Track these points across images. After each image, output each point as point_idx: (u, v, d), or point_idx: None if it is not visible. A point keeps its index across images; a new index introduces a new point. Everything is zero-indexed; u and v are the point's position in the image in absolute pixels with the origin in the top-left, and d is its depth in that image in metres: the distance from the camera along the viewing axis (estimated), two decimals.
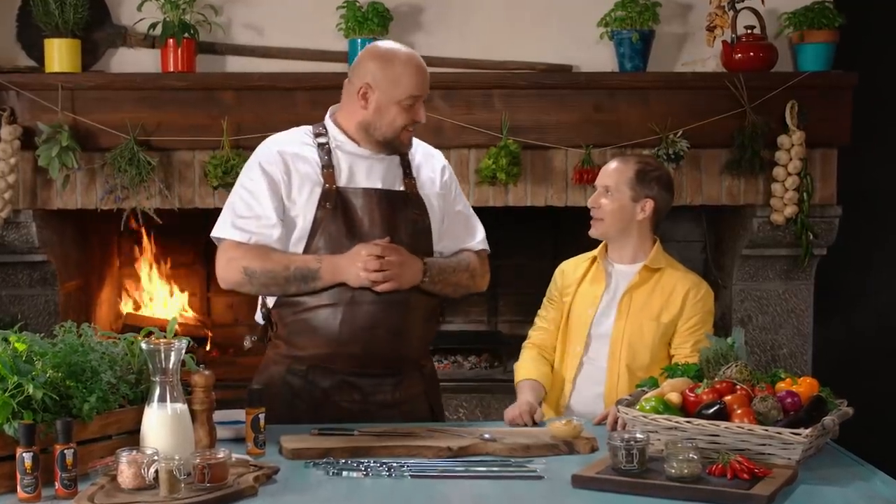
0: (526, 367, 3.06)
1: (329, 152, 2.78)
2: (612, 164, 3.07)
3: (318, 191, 2.73)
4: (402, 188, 2.82)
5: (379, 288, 2.68)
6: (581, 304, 3.06)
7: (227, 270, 2.76)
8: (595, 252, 3.11)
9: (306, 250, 2.73)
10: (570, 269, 3.14)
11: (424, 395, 2.89)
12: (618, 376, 2.97)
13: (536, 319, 3.18)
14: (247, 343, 2.89)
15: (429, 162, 2.93)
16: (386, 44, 2.85)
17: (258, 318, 2.88)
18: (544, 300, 3.18)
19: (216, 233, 2.79)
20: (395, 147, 2.79)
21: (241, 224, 2.74)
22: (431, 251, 2.84)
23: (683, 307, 2.98)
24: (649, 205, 3.01)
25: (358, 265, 2.66)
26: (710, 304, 3.03)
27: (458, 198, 2.97)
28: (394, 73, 2.73)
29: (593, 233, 3.06)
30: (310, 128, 2.85)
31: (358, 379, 2.77)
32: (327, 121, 2.85)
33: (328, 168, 2.75)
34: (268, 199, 2.72)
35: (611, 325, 3.00)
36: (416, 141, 2.94)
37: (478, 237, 2.98)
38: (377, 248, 2.67)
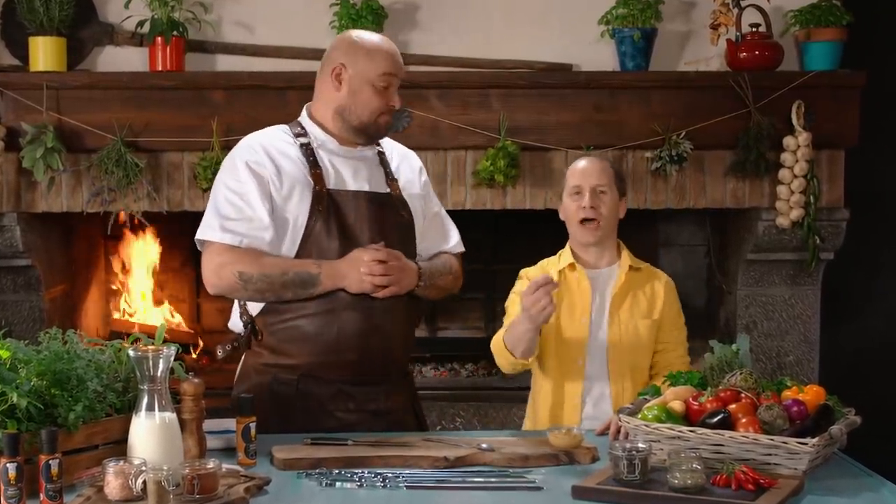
0: (499, 336, 2.94)
1: (312, 153, 2.78)
2: (592, 164, 3.04)
3: (309, 193, 2.73)
4: (387, 190, 2.84)
5: (380, 294, 2.69)
6: (570, 316, 3.00)
7: (218, 275, 2.72)
8: (561, 261, 3.06)
9: (298, 254, 2.73)
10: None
11: (410, 403, 2.92)
12: (623, 382, 2.98)
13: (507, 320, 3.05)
14: (220, 353, 2.87)
15: (406, 163, 2.96)
16: (355, 30, 2.90)
17: (234, 325, 2.85)
18: (509, 307, 3.06)
19: (202, 235, 2.76)
20: (372, 133, 2.80)
21: (232, 226, 2.71)
22: (415, 253, 2.87)
23: (666, 301, 3.04)
24: (625, 202, 3.06)
25: (362, 270, 2.67)
26: (678, 296, 3.11)
27: (433, 199, 3.02)
28: (366, 50, 2.77)
29: (591, 239, 3.01)
30: (286, 126, 2.85)
31: (352, 387, 2.77)
32: (304, 118, 2.85)
33: (315, 169, 2.76)
34: (258, 199, 2.71)
35: (605, 332, 3.00)
36: (390, 141, 2.98)
37: (454, 239, 3.02)
38: (380, 252, 2.68)
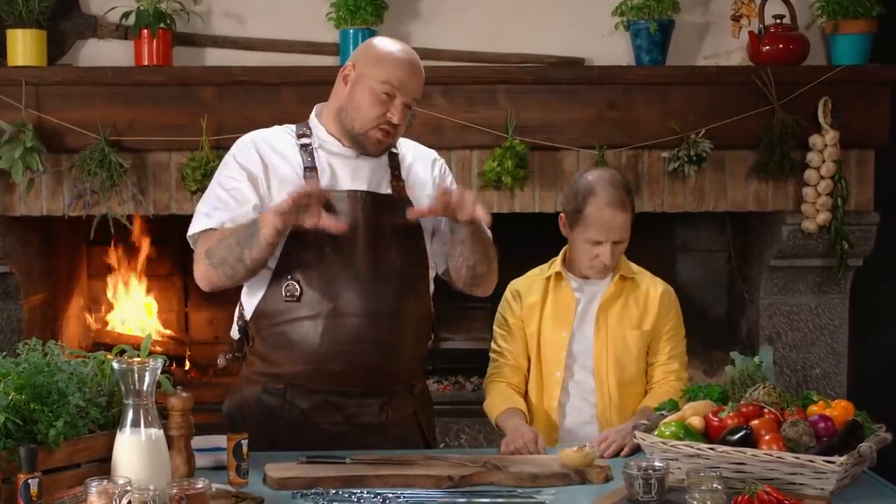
0: (503, 398, 3.01)
1: (312, 154, 2.81)
2: (617, 218, 2.96)
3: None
4: (389, 191, 2.83)
5: (309, 223, 2.60)
6: (552, 326, 3.04)
7: (196, 264, 2.78)
8: (550, 269, 3.09)
9: (283, 254, 2.74)
10: (525, 291, 3.10)
11: (415, 417, 2.89)
12: (609, 395, 2.99)
13: (493, 354, 3.13)
14: (221, 361, 2.91)
15: (421, 162, 2.95)
16: (386, 38, 2.90)
17: (234, 332, 2.90)
18: (496, 329, 3.13)
19: (190, 230, 2.80)
20: (362, 145, 2.78)
21: (216, 215, 2.76)
22: (425, 257, 2.85)
23: (661, 311, 3.04)
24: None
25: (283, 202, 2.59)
26: (679, 307, 3.11)
27: (454, 185, 2.93)
28: (377, 54, 2.78)
29: (599, 277, 3.04)
30: (293, 126, 2.88)
31: (340, 399, 2.78)
32: (312, 119, 2.88)
33: (311, 170, 2.78)
34: (249, 190, 2.75)
35: (590, 342, 3.02)
36: (409, 143, 2.98)
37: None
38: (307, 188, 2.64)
